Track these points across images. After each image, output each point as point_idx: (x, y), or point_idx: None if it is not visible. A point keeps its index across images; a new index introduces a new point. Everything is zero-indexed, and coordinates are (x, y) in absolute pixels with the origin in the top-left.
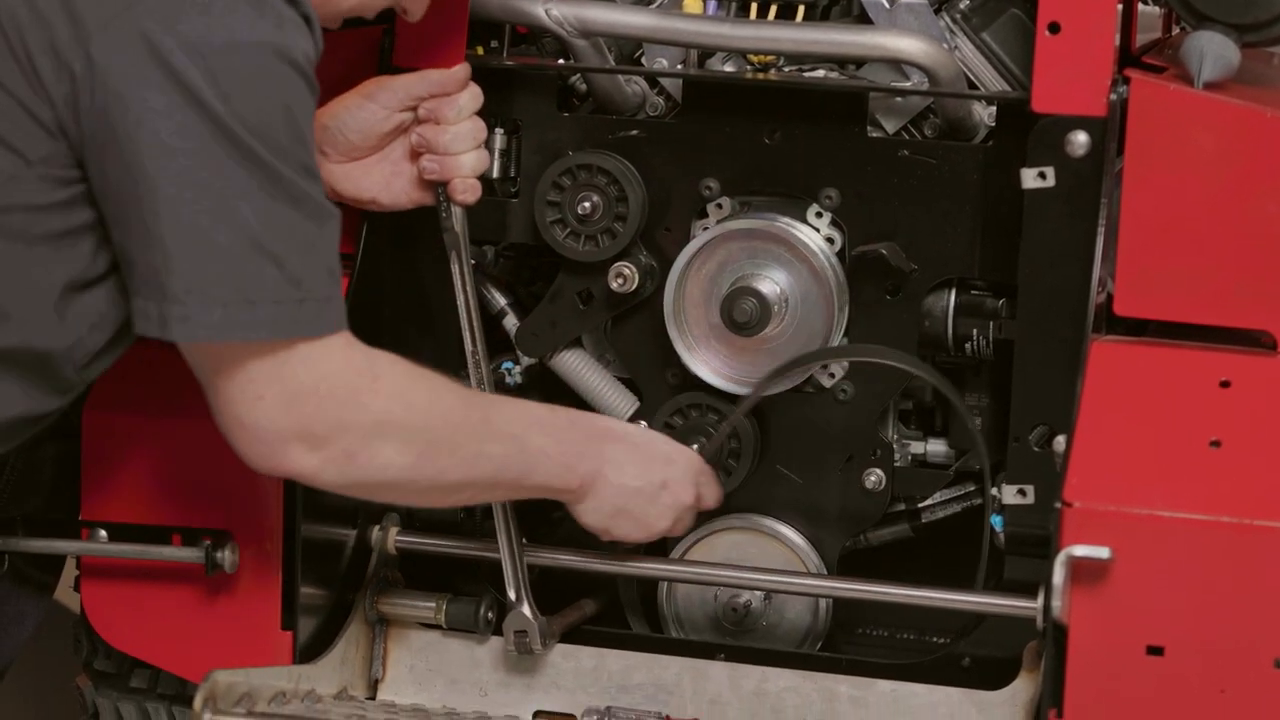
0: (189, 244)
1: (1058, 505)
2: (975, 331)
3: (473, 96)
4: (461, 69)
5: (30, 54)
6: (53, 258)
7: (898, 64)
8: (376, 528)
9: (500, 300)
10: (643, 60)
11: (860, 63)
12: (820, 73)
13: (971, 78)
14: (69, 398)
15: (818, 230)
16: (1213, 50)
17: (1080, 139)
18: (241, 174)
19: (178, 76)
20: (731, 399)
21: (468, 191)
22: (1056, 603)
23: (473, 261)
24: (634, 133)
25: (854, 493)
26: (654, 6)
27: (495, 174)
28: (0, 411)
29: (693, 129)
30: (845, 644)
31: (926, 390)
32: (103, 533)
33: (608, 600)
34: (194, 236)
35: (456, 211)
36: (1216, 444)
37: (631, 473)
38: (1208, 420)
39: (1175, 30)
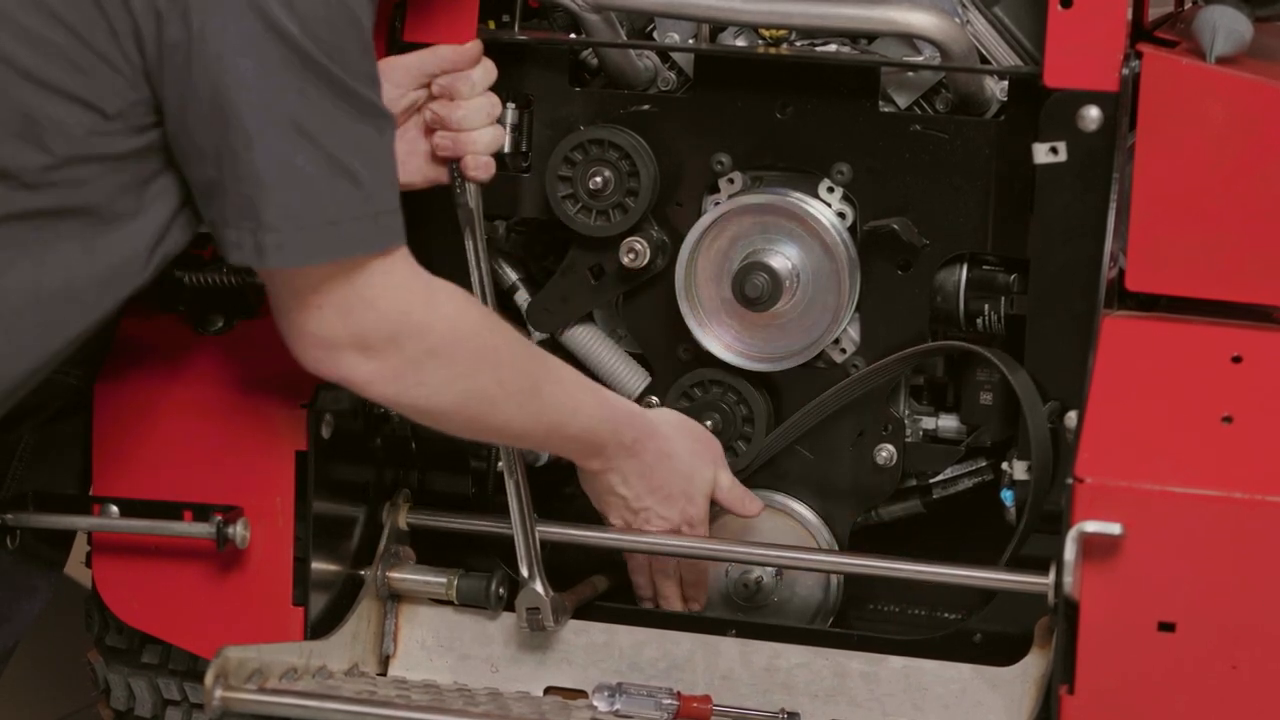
0: (279, 172)
1: (1069, 481)
2: (987, 307)
3: (486, 71)
4: (474, 45)
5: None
6: (134, 208)
7: (910, 38)
8: (388, 503)
9: (512, 275)
10: (654, 35)
11: (872, 37)
12: (832, 47)
13: (983, 52)
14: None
15: (829, 205)
16: (1225, 24)
17: (1092, 114)
18: (319, 97)
19: (258, 6)
20: (743, 374)
21: (480, 168)
22: (1068, 579)
23: (485, 237)
24: (646, 107)
25: (865, 468)
26: None
27: (507, 149)
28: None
29: (704, 104)
30: (857, 620)
31: (938, 365)
32: (114, 508)
33: (619, 577)
34: (283, 164)
35: (470, 188)
36: (1228, 419)
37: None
38: (1219, 395)
39: (1188, 4)
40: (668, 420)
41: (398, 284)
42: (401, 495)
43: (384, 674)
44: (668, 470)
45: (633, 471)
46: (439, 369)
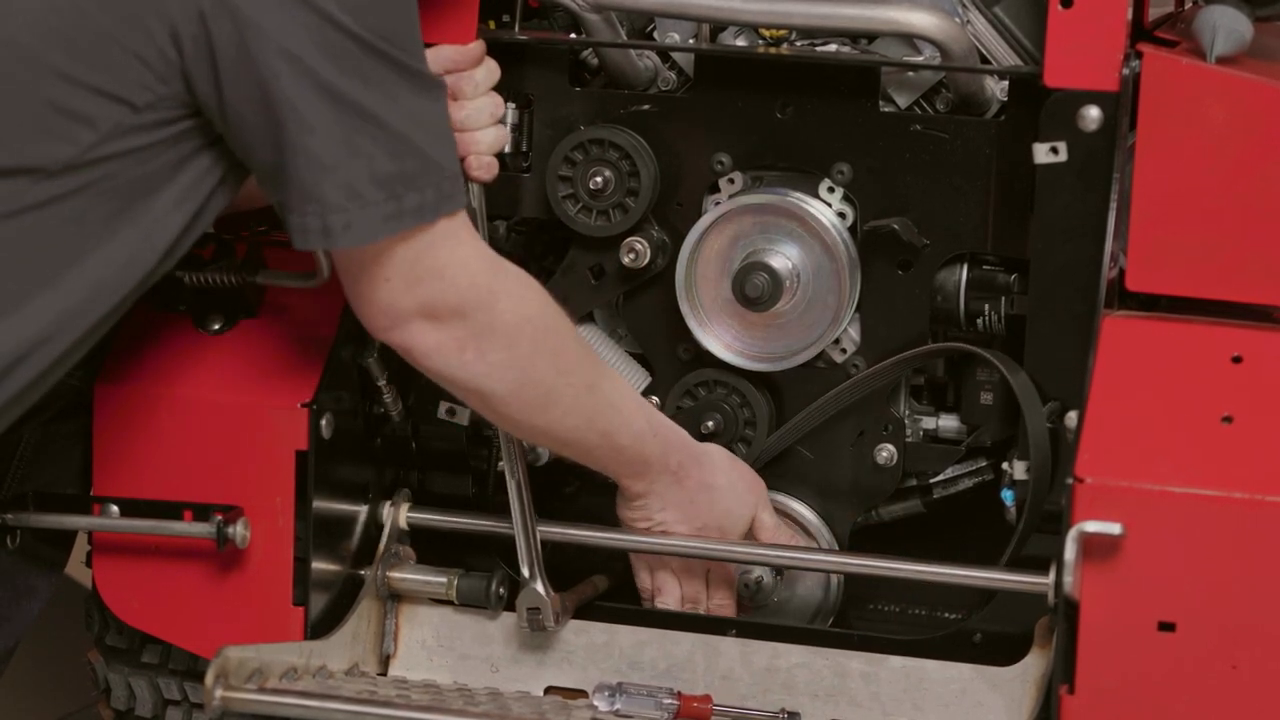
0: (341, 153)
1: (1069, 481)
2: (987, 307)
3: (489, 72)
4: (477, 45)
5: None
6: (160, 198)
7: (910, 38)
8: (388, 503)
9: None
10: (655, 34)
11: (872, 37)
12: (832, 47)
13: (984, 52)
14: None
15: (830, 205)
16: (1225, 24)
17: (1092, 113)
18: (380, 79)
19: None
20: (744, 374)
21: (484, 169)
22: (1068, 578)
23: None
24: (646, 107)
25: (865, 468)
26: None
27: (507, 149)
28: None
29: (705, 103)
30: (857, 620)
31: (938, 365)
32: (114, 508)
33: (619, 576)
34: (345, 145)
35: (474, 188)
36: (1228, 419)
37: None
38: (1219, 395)
39: (1188, 4)
40: (714, 454)
41: (465, 254)
42: (401, 495)
43: (384, 674)
44: (707, 502)
45: (673, 499)
46: (502, 346)
